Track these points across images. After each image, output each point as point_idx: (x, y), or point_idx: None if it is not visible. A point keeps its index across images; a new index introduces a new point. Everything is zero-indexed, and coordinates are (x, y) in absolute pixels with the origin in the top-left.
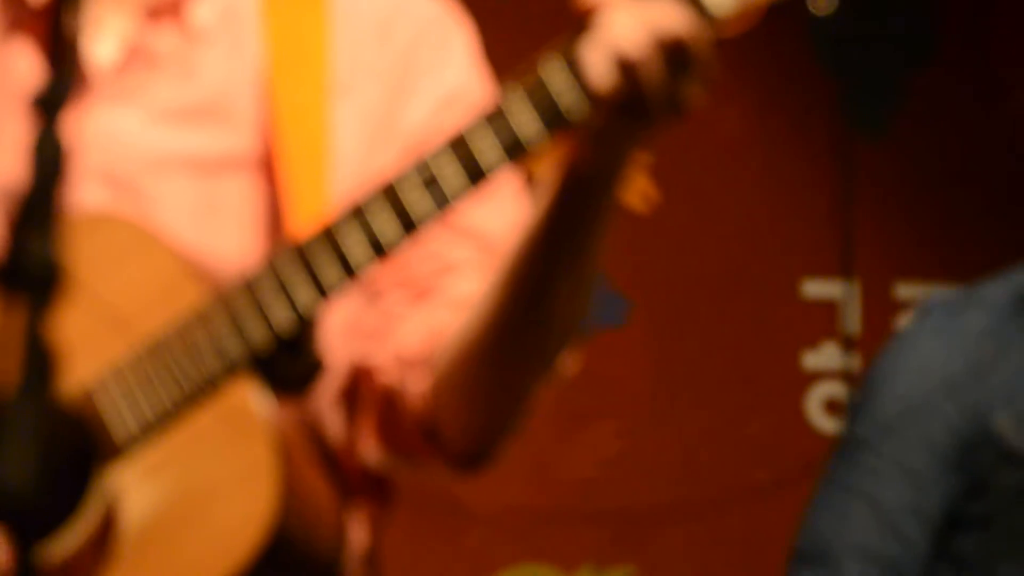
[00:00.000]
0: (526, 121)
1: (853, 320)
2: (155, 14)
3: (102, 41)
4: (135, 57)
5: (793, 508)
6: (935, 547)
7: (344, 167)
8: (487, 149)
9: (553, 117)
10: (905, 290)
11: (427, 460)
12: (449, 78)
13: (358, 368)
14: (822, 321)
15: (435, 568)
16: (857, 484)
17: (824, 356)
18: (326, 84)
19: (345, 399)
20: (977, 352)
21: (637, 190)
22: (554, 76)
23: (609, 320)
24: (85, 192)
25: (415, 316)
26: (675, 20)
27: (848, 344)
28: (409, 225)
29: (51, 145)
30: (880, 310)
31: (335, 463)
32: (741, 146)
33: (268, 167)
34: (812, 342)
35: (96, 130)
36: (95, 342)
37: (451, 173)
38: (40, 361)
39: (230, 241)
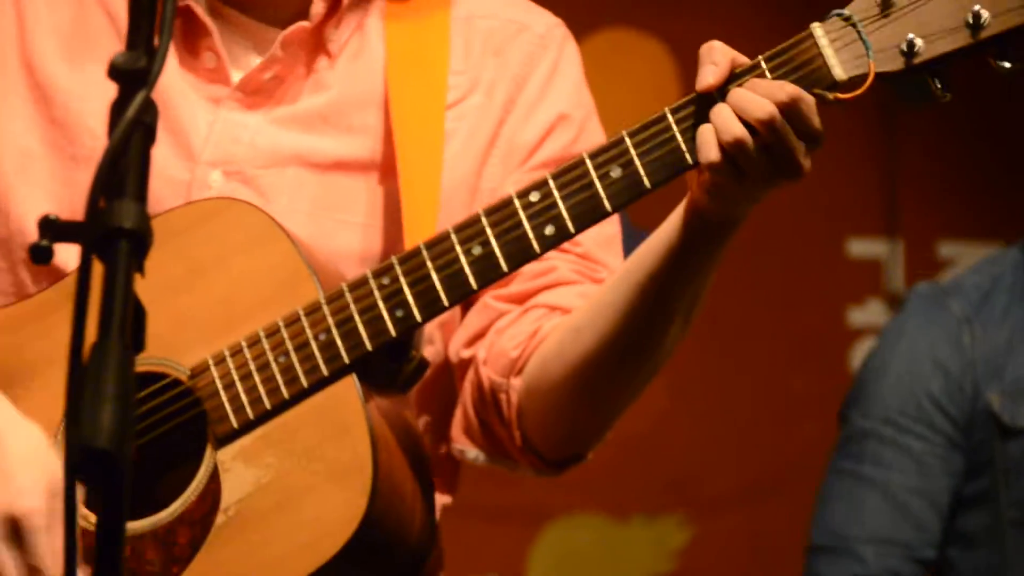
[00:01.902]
0: (648, 170)
1: (897, 278)
2: (294, 42)
3: (236, 54)
4: (266, 74)
5: (823, 479)
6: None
7: (454, 175)
8: (610, 187)
9: (675, 169)
10: (948, 248)
11: (519, 460)
12: (562, 98)
13: (457, 366)
14: (867, 279)
15: (489, 519)
16: (865, 473)
17: (869, 313)
18: (441, 97)
19: (442, 395)
20: (961, 336)
21: None
22: (680, 130)
23: None
24: (206, 181)
25: (518, 325)
26: (761, 105)
27: (892, 301)
28: (523, 253)
29: (128, 114)
30: (924, 268)
31: (427, 459)
32: None
33: (383, 172)
34: (857, 299)
35: (221, 129)
36: (213, 322)
37: (571, 205)
38: (122, 317)
39: (344, 239)
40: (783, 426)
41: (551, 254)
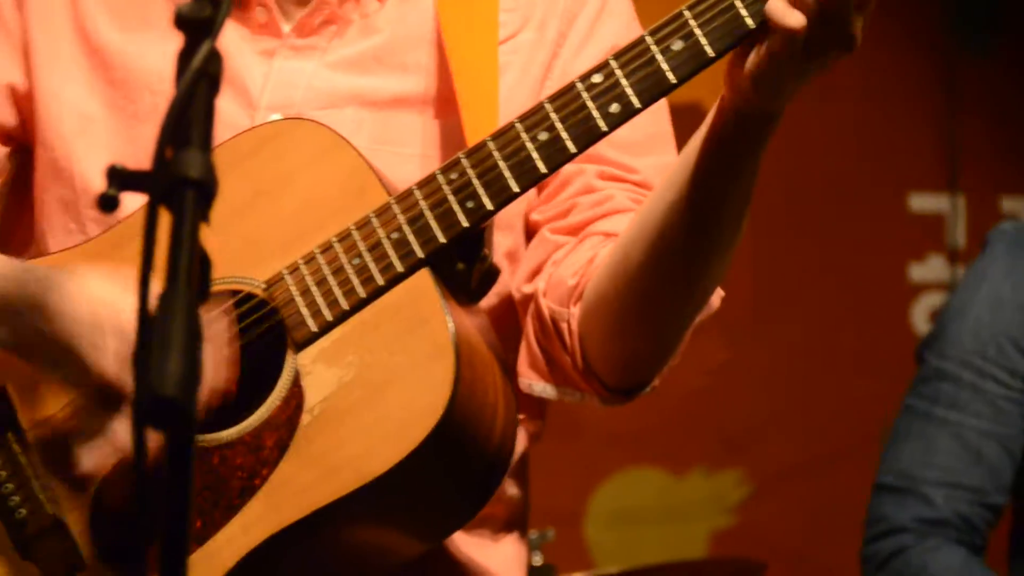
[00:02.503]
0: (711, 38)
1: (958, 233)
2: None
3: (289, 4)
4: (316, 19)
5: (896, 417)
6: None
7: (510, 107)
8: (672, 59)
9: (736, 37)
10: (1010, 204)
11: (584, 389)
12: (612, 31)
13: (519, 302)
14: (928, 234)
15: (549, 472)
16: (938, 414)
17: (930, 268)
18: (494, 32)
19: (509, 332)
20: None
21: None
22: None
23: None
24: (264, 121)
25: (575, 254)
26: None
27: (953, 257)
28: (589, 133)
29: (193, 63)
30: (985, 223)
31: (505, 361)
32: (847, 62)
33: (439, 106)
34: (918, 255)
35: (277, 76)
36: (285, 236)
37: (635, 81)
38: (189, 267)
39: (405, 170)
40: (843, 382)
41: (606, 183)
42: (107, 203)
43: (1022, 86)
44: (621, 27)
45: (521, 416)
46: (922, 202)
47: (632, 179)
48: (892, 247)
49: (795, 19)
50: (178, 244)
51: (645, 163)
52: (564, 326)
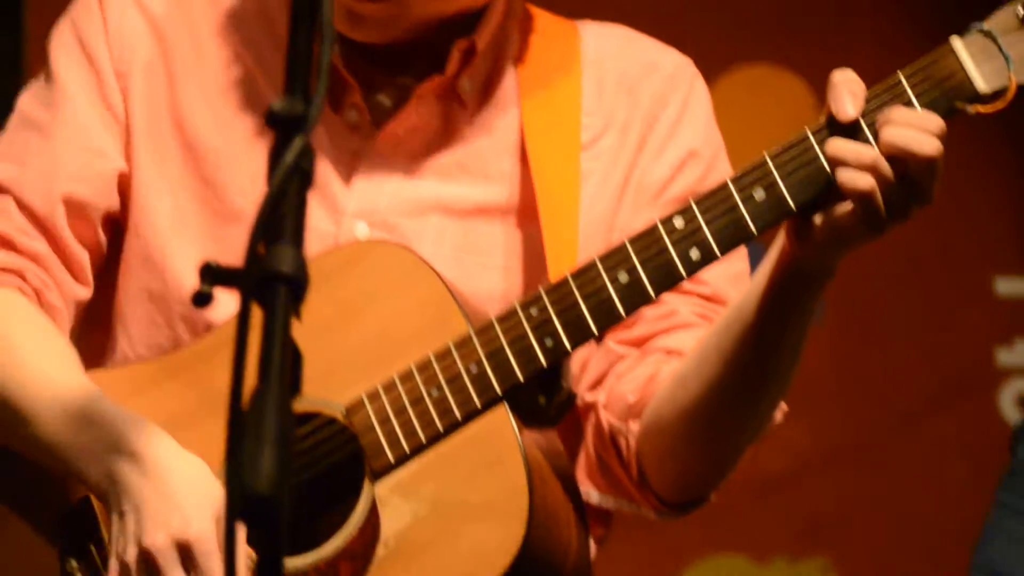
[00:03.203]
0: (792, 190)
1: None
2: (428, 93)
3: (374, 107)
4: (404, 126)
5: (986, 504)
6: None
7: (591, 214)
8: (753, 208)
9: (818, 188)
10: None
11: (639, 502)
12: (691, 135)
13: (581, 410)
14: (1015, 318)
15: (630, 558)
16: None
17: (1017, 353)
18: (576, 138)
19: (572, 439)
20: None
21: None
22: (808, 163)
23: None
24: (352, 232)
25: (637, 369)
26: (930, 143)
27: None
28: (669, 278)
29: (286, 159)
30: None
31: (579, 492)
32: None
33: (521, 215)
34: (1005, 339)
35: (363, 182)
36: (366, 360)
37: (716, 228)
38: (282, 363)
39: (488, 280)
40: (930, 470)
41: (671, 296)
42: (201, 299)
43: None
44: (700, 131)
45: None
46: (1008, 286)
47: (699, 292)
48: (978, 331)
49: (865, 182)
50: (270, 339)
51: (714, 273)
52: (622, 441)
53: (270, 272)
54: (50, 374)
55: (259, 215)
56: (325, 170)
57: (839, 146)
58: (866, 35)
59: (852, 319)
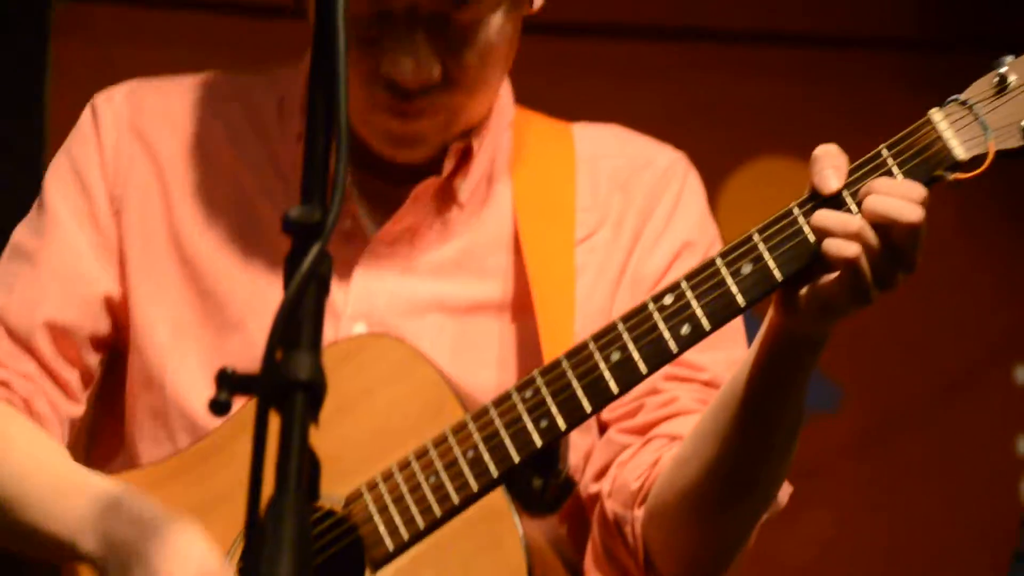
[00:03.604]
0: (779, 262)
1: None
2: (424, 194)
3: (369, 209)
4: (400, 226)
5: None
6: None
7: (587, 307)
8: (741, 282)
9: (804, 262)
10: None
11: None
12: (686, 226)
13: (586, 500)
14: None
15: None
16: None
17: None
18: (571, 233)
19: (578, 530)
20: None
21: None
22: (792, 235)
23: (822, 406)
24: (348, 331)
25: (639, 457)
26: (912, 210)
27: None
28: (661, 355)
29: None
30: None
31: (579, 573)
32: (948, 237)
33: (518, 310)
34: None
35: (360, 284)
36: (365, 452)
37: (705, 303)
38: (300, 467)
39: (485, 375)
40: (955, 559)
41: (672, 384)
42: (219, 407)
43: None
44: (694, 222)
45: None
46: None
47: (699, 378)
48: (999, 421)
49: (851, 250)
50: (288, 447)
51: (713, 359)
52: (628, 528)
53: (288, 379)
54: (39, 457)
55: (276, 321)
56: None
57: (825, 216)
58: (883, 127)
59: (872, 407)
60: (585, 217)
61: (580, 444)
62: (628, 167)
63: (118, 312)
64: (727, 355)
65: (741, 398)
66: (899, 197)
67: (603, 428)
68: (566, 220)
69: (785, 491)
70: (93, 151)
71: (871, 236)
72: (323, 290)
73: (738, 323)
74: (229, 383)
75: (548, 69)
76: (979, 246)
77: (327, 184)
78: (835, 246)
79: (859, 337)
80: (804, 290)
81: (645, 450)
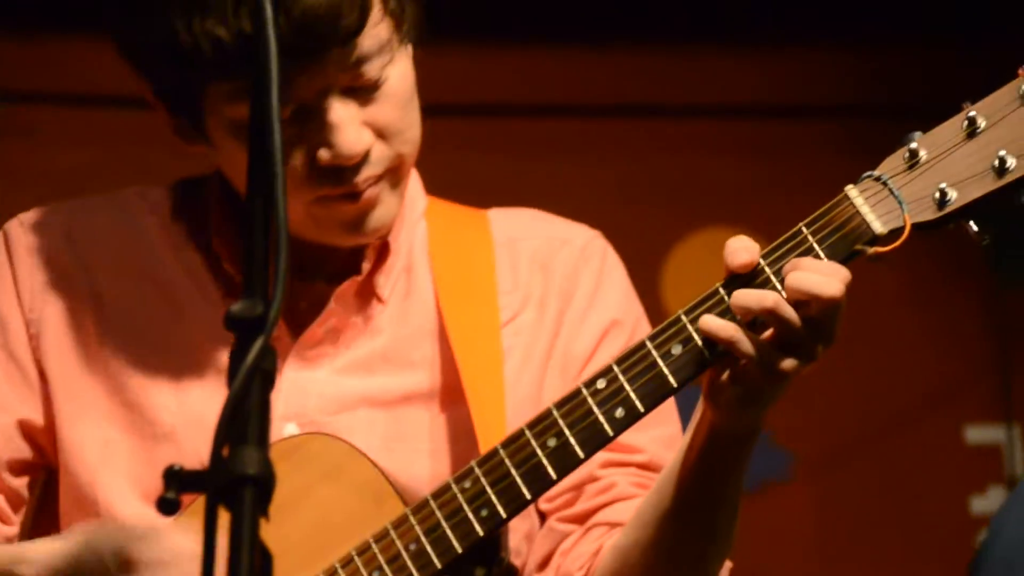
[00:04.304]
0: (707, 343)
1: (1017, 463)
2: (346, 294)
3: (292, 312)
4: (324, 328)
5: None
6: None
7: (517, 390)
8: (672, 363)
9: (704, 360)
10: None
11: None
12: (610, 305)
13: None
14: (987, 466)
15: None
16: None
17: (992, 500)
18: (495, 317)
19: None
20: None
21: None
22: (709, 321)
23: (773, 474)
24: (281, 434)
25: (580, 546)
26: (830, 283)
27: (1014, 487)
28: (596, 438)
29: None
30: None
31: None
32: (895, 302)
33: (447, 400)
34: (979, 487)
35: (289, 386)
36: (307, 551)
37: (637, 386)
38: (250, 564)
39: (419, 465)
40: None
41: (610, 470)
42: (167, 506)
43: None
44: (618, 300)
45: None
46: (978, 434)
47: (636, 461)
48: (952, 481)
49: (746, 347)
50: (238, 542)
51: (649, 438)
52: None
53: (236, 474)
54: None
55: (221, 417)
56: None
57: (742, 295)
58: (827, 195)
59: (823, 474)
60: (508, 300)
61: (520, 527)
62: (546, 247)
63: (39, 436)
64: (661, 433)
65: (679, 486)
66: (820, 273)
67: (543, 516)
68: (489, 304)
69: (725, 568)
70: (7, 278)
71: (787, 312)
72: (268, 384)
73: (669, 402)
74: (177, 481)
75: (497, 149)
76: (927, 309)
77: (268, 279)
78: (726, 333)
79: (806, 405)
80: (726, 377)
81: (586, 539)
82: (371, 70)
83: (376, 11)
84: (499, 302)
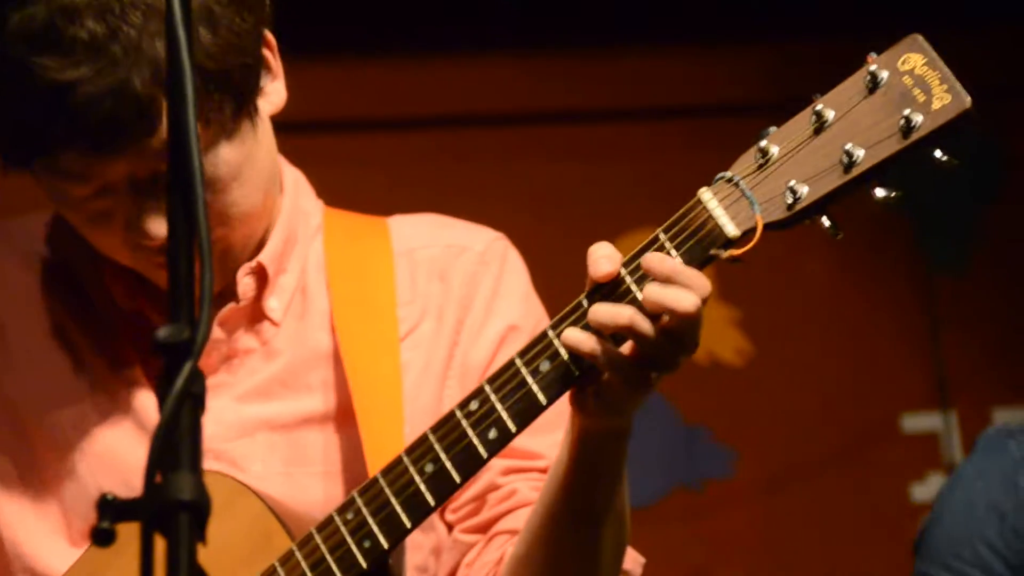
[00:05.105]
0: (574, 359)
1: (954, 449)
2: (231, 320)
3: None
4: (214, 358)
5: None
6: None
7: (416, 404)
8: (541, 380)
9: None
10: (1002, 414)
11: None
12: (508, 310)
13: None
14: (925, 453)
15: None
16: None
17: (932, 487)
18: (394, 331)
19: None
20: (1018, 477)
21: (731, 345)
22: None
23: (717, 472)
24: None
25: (484, 555)
26: (688, 298)
27: (952, 473)
28: (471, 461)
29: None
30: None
31: None
32: (826, 293)
33: (341, 421)
34: (918, 475)
35: None
36: None
37: (508, 405)
38: None
39: (315, 490)
40: None
41: (511, 477)
42: (102, 537)
43: (999, 299)
44: (517, 304)
45: None
46: (915, 422)
47: (536, 466)
48: (891, 470)
49: (606, 360)
50: (175, 568)
51: (548, 442)
52: None
53: (170, 501)
54: None
55: (152, 444)
56: (149, 409)
57: (596, 310)
58: None
59: (767, 468)
60: (406, 312)
61: (425, 543)
62: (444, 255)
63: None
64: (555, 436)
65: (563, 489)
66: (678, 286)
67: (449, 527)
68: (388, 318)
69: (636, 561)
70: None
71: (642, 326)
72: (198, 409)
73: (566, 401)
74: (111, 510)
75: (464, 159)
76: (852, 305)
77: (193, 302)
78: (576, 342)
79: (746, 402)
80: (590, 389)
81: (489, 548)
82: None
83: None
84: (398, 314)
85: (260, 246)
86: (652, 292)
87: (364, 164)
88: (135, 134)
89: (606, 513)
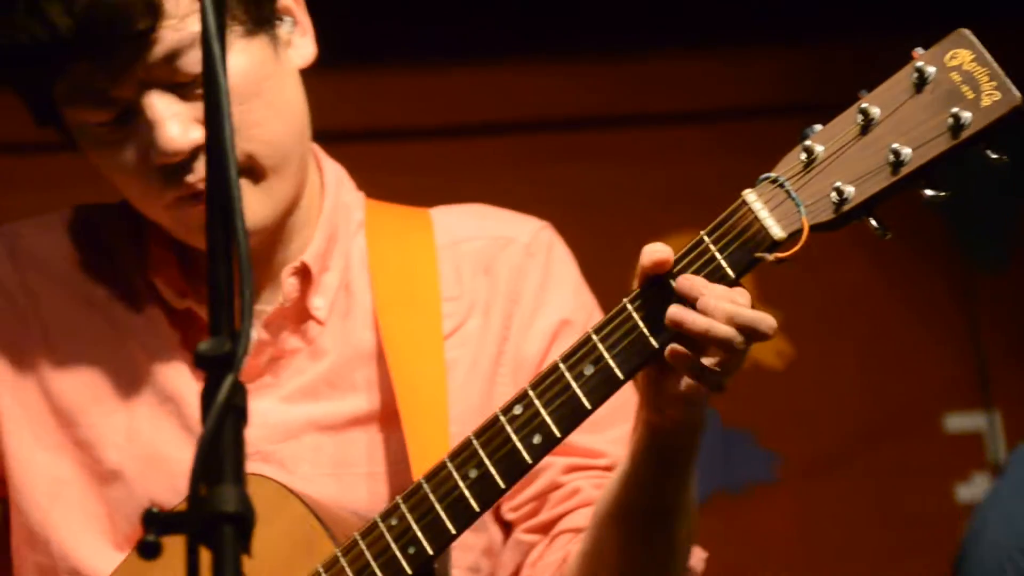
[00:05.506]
0: (618, 361)
1: (999, 448)
2: (276, 321)
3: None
4: (261, 360)
5: None
6: None
7: (463, 403)
8: (585, 385)
9: (642, 356)
10: None
11: None
12: (559, 303)
13: None
14: (969, 453)
15: None
16: None
17: (976, 487)
18: (438, 329)
19: None
20: None
21: (771, 348)
22: (637, 327)
23: (760, 476)
24: None
25: (548, 555)
26: (745, 304)
27: (998, 473)
28: (516, 467)
29: (219, 398)
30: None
31: None
32: (866, 294)
33: (385, 423)
34: (963, 475)
35: None
36: None
37: (552, 410)
38: None
39: (360, 492)
40: None
41: (573, 475)
42: (149, 549)
43: None
44: (568, 297)
45: None
46: (958, 421)
47: (598, 464)
48: (935, 470)
49: (700, 323)
50: None
51: (608, 439)
52: None
53: (214, 513)
54: None
55: (196, 457)
56: (193, 412)
57: (674, 313)
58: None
59: (810, 472)
60: (452, 308)
61: (476, 544)
62: (489, 248)
63: None
64: (619, 432)
65: (634, 487)
66: (729, 303)
67: (509, 527)
68: (432, 315)
69: (698, 556)
70: None
71: (720, 332)
72: (241, 421)
73: (629, 396)
74: (157, 523)
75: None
76: (892, 305)
77: (234, 314)
78: (677, 315)
79: (788, 405)
80: (664, 390)
81: (552, 548)
82: (188, 64)
83: (184, 4)
84: (443, 310)
85: (303, 246)
86: (707, 304)
87: (406, 172)
88: (141, 31)
89: (677, 508)
